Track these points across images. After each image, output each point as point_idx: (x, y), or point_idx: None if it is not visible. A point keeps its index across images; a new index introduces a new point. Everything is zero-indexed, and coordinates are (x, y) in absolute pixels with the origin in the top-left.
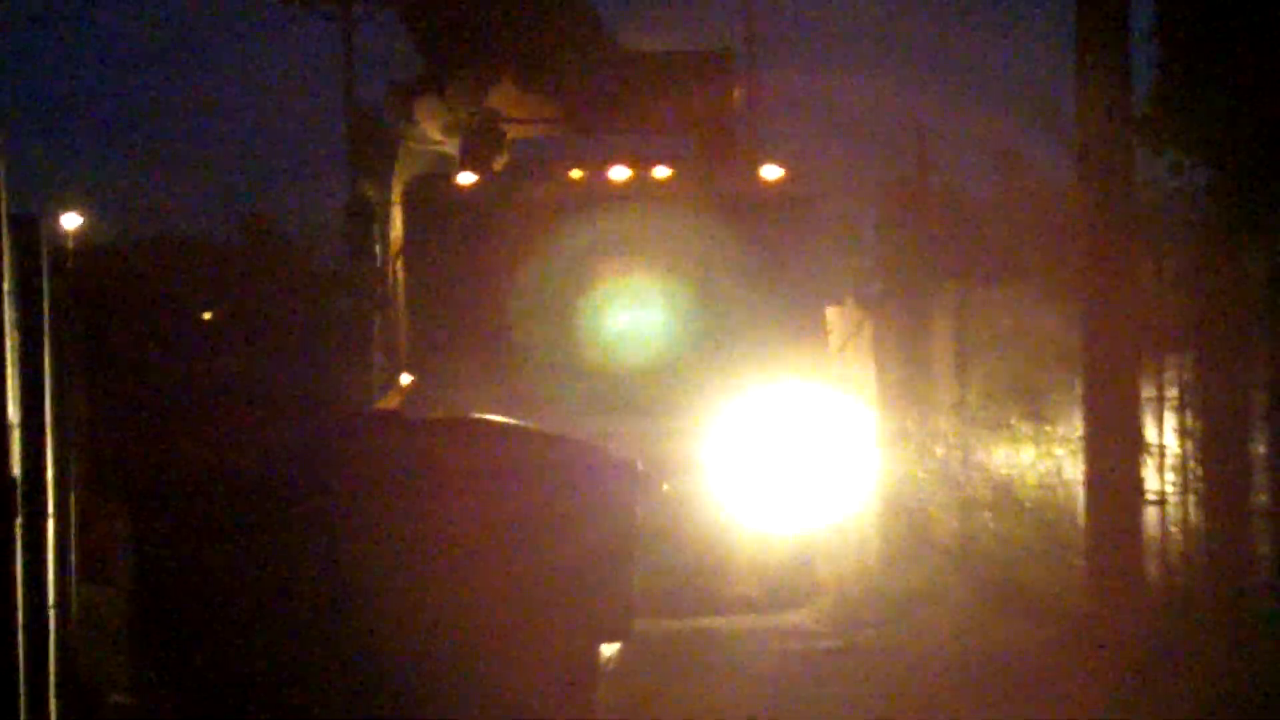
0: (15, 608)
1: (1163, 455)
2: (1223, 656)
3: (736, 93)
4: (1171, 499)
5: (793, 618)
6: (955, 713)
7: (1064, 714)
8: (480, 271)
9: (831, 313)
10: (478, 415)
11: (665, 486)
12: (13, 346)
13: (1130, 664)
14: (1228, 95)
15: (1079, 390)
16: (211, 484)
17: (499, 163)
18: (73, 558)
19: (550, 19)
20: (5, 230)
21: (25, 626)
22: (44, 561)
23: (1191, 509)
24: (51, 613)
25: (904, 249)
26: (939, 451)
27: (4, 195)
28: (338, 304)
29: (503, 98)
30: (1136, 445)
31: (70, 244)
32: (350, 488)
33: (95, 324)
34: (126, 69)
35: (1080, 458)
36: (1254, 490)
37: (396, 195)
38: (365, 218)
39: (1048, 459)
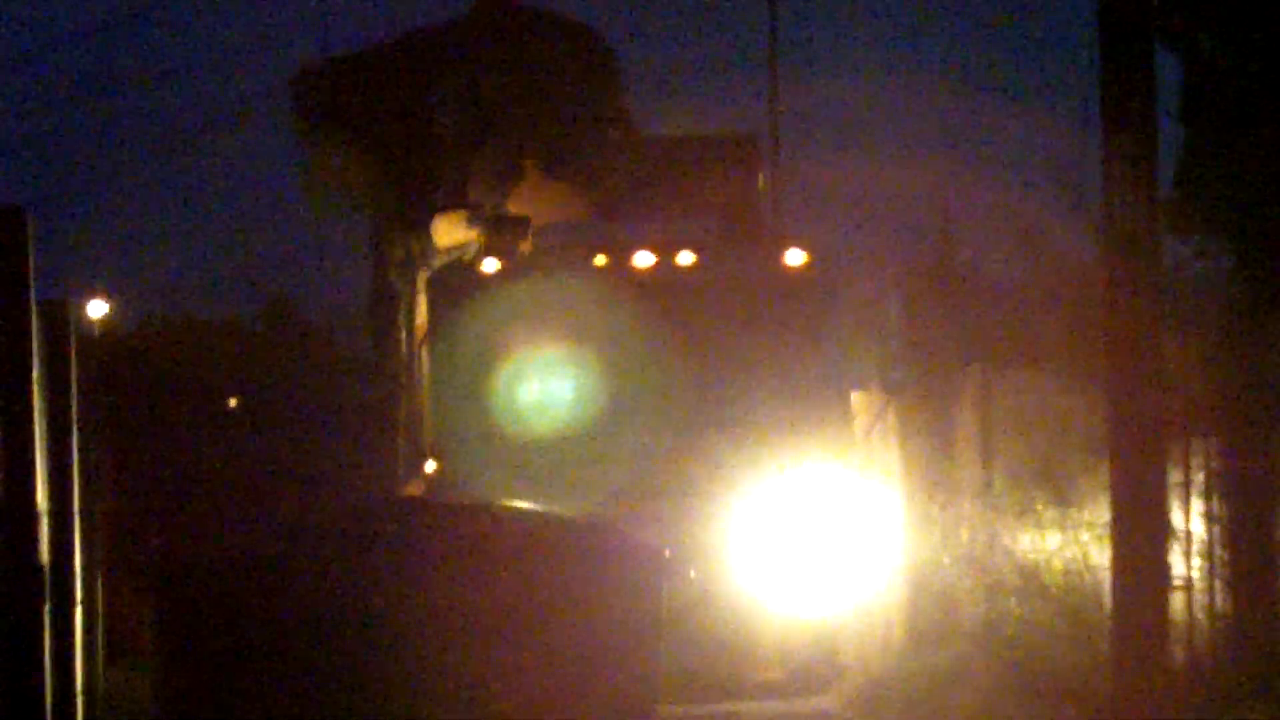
0: (44, 692)
1: (1189, 540)
2: None
3: (760, 177)
4: (1198, 584)
5: (817, 702)
6: None
7: None
8: (504, 358)
9: (856, 397)
10: (502, 501)
11: (693, 572)
12: (41, 434)
13: None
14: (1254, 178)
15: (1105, 474)
16: (237, 569)
17: (523, 248)
18: (99, 641)
19: (576, 110)
20: (35, 316)
21: (53, 709)
22: (71, 646)
23: (1218, 595)
24: (79, 698)
25: (928, 332)
26: (964, 535)
27: (33, 282)
28: (361, 389)
29: (527, 186)
30: (1163, 530)
31: (97, 330)
32: (374, 572)
33: (122, 410)
34: (144, 151)
35: (1106, 542)
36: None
37: (420, 281)
38: (389, 303)
39: (1073, 544)
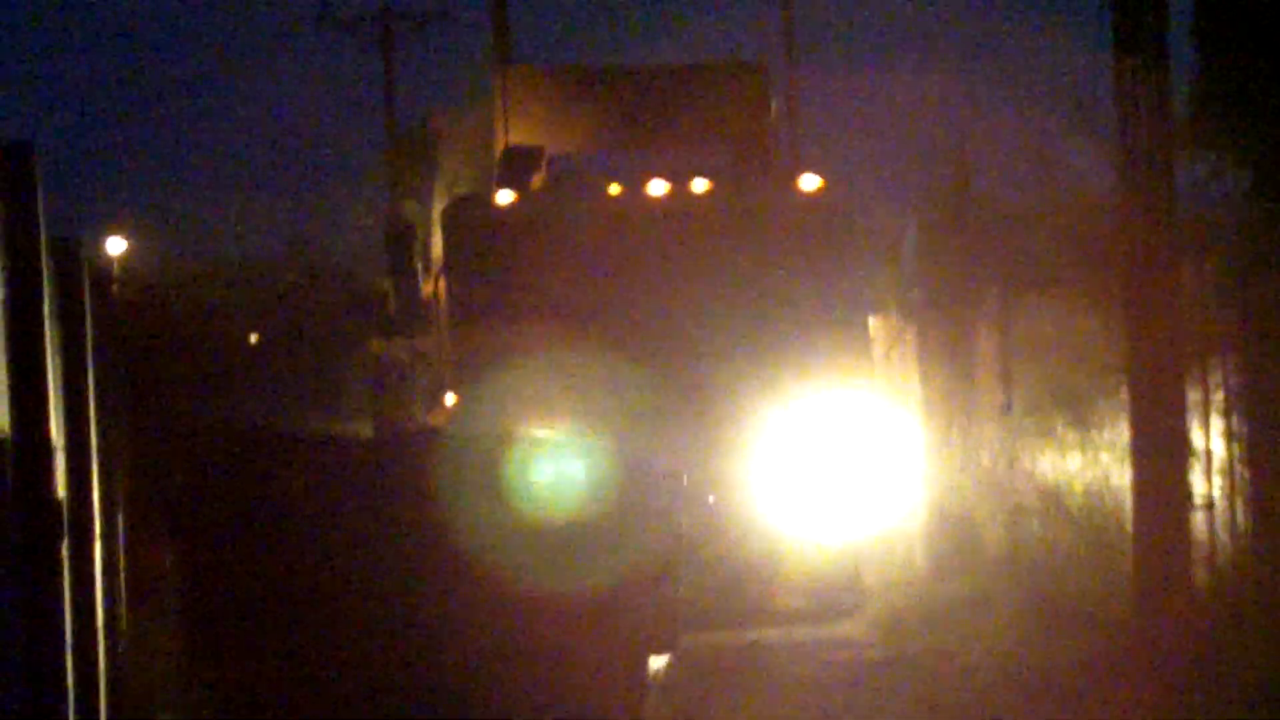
0: (64, 631)
1: (1209, 460)
2: (1272, 662)
3: (773, 103)
4: (1219, 503)
5: (840, 628)
6: (1008, 712)
7: (1114, 714)
8: (521, 288)
9: (874, 322)
10: (521, 430)
11: (711, 498)
12: (54, 368)
13: (1178, 670)
14: (1269, 98)
15: (1124, 396)
16: (259, 505)
17: (537, 180)
18: (121, 580)
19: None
20: (45, 254)
21: (74, 649)
22: (91, 584)
23: (1239, 513)
24: (100, 636)
25: (946, 257)
26: (985, 459)
27: (42, 218)
28: (380, 324)
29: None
30: (1183, 450)
31: (116, 268)
32: (396, 505)
33: (141, 347)
34: (171, 91)
35: (1126, 464)
36: None
37: (436, 215)
38: (406, 238)
39: (1094, 466)
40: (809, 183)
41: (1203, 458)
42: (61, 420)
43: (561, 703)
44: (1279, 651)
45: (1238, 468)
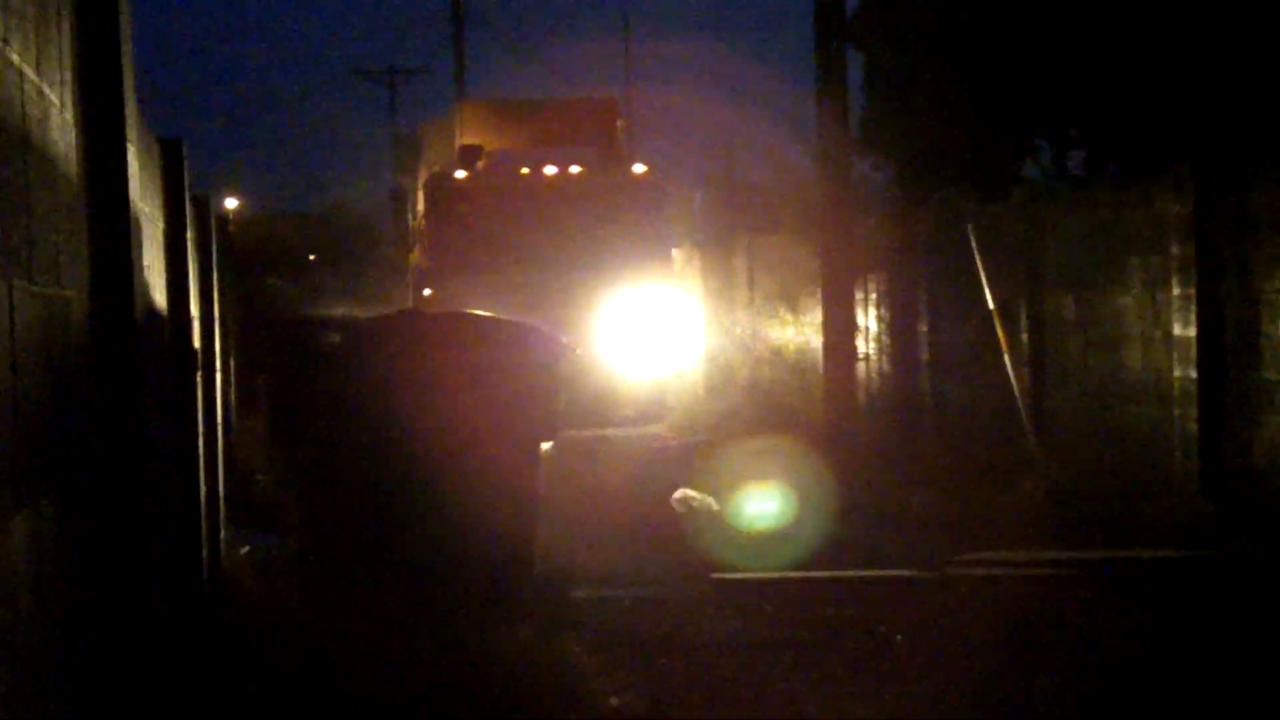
0: (198, 426)
1: (867, 332)
2: (878, 437)
3: (619, 122)
4: (871, 357)
5: (651, 428)
6: (742, 471)
7: (807, 468)
8: (470, 229)
9: (676, 252)
10: (469, 311)
11: (578, 350)
12: (194, 277)
13: (847, 446)
14: (902, 126)
15: (819, 295)
16: (314, 350)
17: (480, 165)
18: (233, 397)
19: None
20: (189, 206)
21: (204, 436)
22: (214, 400)
23: (881, 363)
24: (220, 428)
25: (718, 213)
26: (739, 330)
27: (187, 188)
28: (388, 252)
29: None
30: (852, 326)
31: (230, 216)
32: (394, 351)
33: (243, 262)
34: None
35: (819, 333)
36: (919, 352)
37: (420, 185)
38: (402, 199)
39: (801, 334)
40: (638, 169)
41: (863, 331)
42: (198, 303)
43: (493, 469)
44: (881, 427)
45: (881, 338)
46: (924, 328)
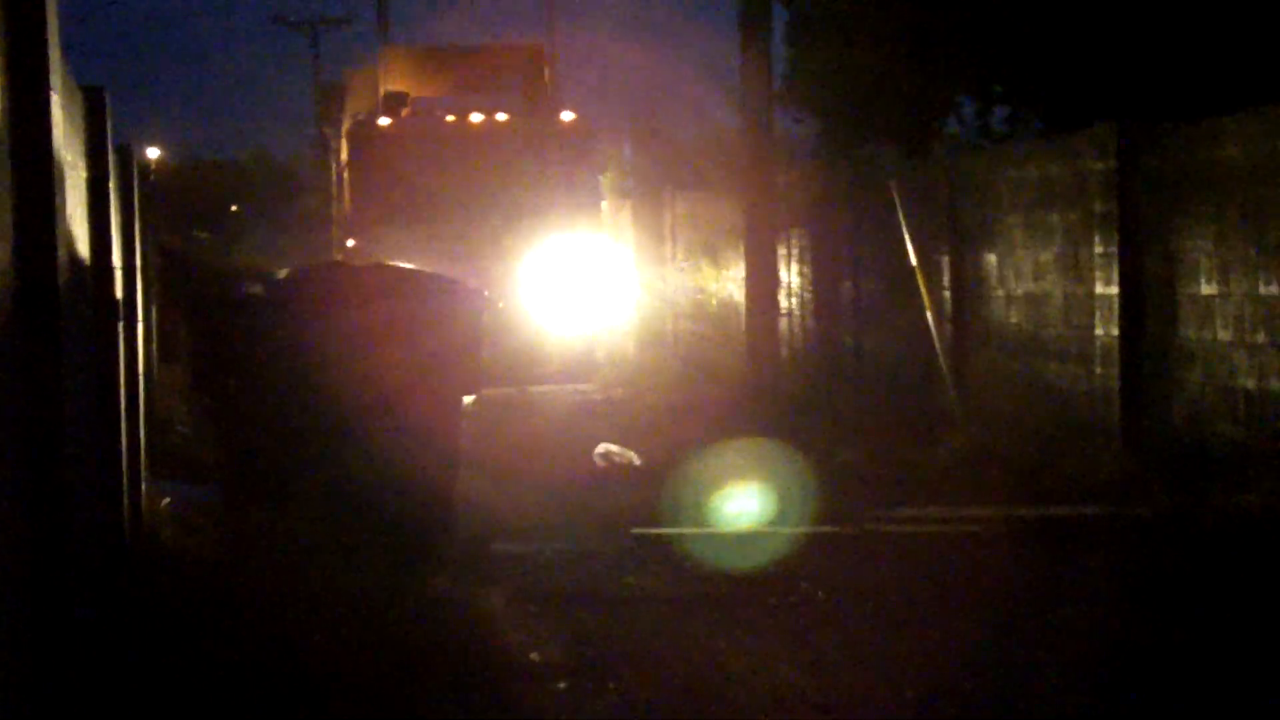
0: (119, 375)
1: (789, 287)
2: (799, 388)
3: (546, 69)
4: (793, 311)
5: (580, 385)
6: (670, 426)
7: (732, 426)
8: (393, 177)
9: (605, 202)
10: (391, 263)
11: (500, 304)
12: (117, 226)
13: (768, 399)
14: (826, 81)
15: (742, 248)
16: (236, 301)
17: (404, 112)
18: (154, 346)
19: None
20: (111, 155)
21: (125, 385)
22: (136, 348)
23: (803, 318)
24: (141, 378)
25: (645, 166)
26: (664, 284)
27: (110, 136)
28: (312, 203)
29: (409, 83)
30: (774, 281)
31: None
32: (317, 303)
33: (165, 211)
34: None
35: (742, 288)
36: (841, 307)
37: (344, 133)
38: (325, 147)
39: (724, 288)
40: (567, 116)
41: (785, 286)
42: (120, 252)
43: (417, 421)
44: (803, 383)
45: (804, 293)
46: (847, 283)
